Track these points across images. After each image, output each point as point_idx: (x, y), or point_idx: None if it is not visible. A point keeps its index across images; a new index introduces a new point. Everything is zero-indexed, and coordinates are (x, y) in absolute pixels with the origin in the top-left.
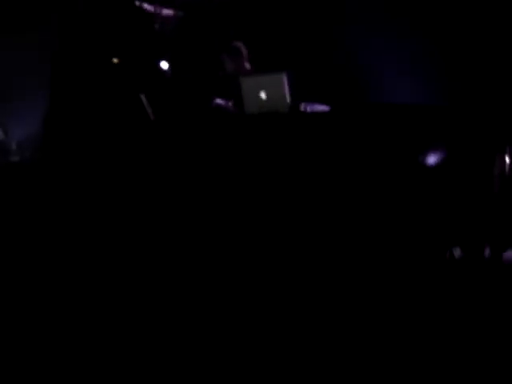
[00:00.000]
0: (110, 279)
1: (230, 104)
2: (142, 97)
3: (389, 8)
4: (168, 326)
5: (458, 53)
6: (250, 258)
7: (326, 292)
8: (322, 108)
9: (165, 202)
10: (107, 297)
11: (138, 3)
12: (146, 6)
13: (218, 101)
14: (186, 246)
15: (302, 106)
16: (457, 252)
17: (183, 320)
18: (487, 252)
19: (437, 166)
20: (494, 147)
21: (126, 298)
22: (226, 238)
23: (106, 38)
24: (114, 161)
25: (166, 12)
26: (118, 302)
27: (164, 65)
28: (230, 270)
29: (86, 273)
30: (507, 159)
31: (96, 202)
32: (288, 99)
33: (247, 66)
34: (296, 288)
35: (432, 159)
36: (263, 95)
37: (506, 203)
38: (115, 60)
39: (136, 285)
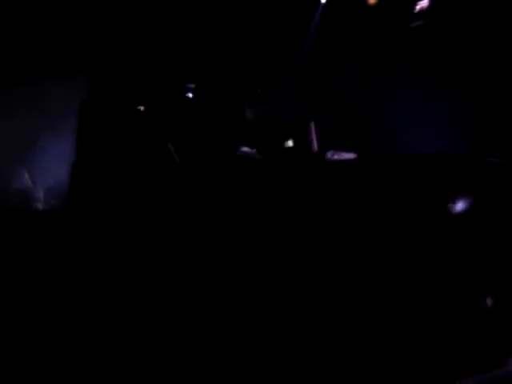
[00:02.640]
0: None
1: (255, 151)
2: (169, 144)
3: (415, 61)
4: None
5: (482, 103)
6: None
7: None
8: (348, 156)
9: (187, 250)
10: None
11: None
12: None
13: (244, 148)
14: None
15: (329, 154)
16: (489, 301)
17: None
18: None
19: (465, 215)
20: None
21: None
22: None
23: (133, 87)
24: (140, 210)
25: None
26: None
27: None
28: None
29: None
30: None
31: (120, 251)
32: (315, 146)
33: (268, 114)
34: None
35: (460, 208)
36: (290, 142)
37: None
38: (141, 108)
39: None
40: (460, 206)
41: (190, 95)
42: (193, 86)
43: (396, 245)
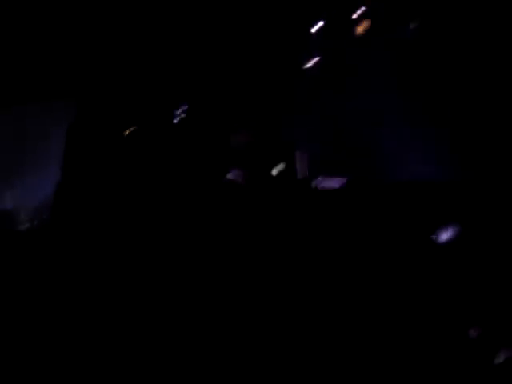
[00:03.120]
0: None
1: (243, 178)
2: (157, 167)
3: (406, 86)
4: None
5: (472, 130)
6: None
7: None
8: (337, 182)
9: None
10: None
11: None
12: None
13: (230, 175)
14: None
15: (318, 181)
16: (475, 331)
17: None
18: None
19: (451, 243)
20: (509, 226)
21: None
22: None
23: (121, 111)
24: (123, 234)
25: None
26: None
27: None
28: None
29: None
30: None
31: (102, 273)
32: (304, 172)
33: (257, 140)
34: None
35: (449, 236)
36: (278, 168)
37: None
38: (127, 131)
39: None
40: (447, 233)
41: (177, 119)
42: (180, 110)
43: (385, 274)
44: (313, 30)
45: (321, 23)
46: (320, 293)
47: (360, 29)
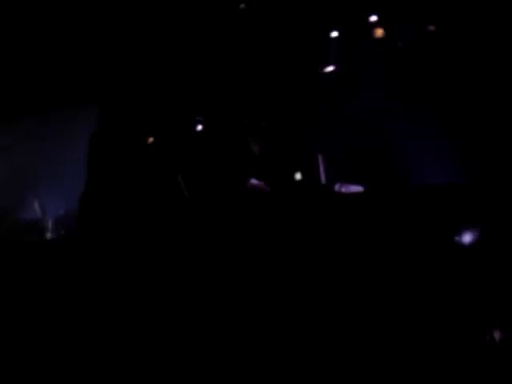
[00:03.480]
0: None
1: (264, 184)
2: (179, 177)
3: (421, 94)
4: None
5: (488, 132)
6: None
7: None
8: (356, 189)
9: (193, 284)
10: None
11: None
12: None
13: (253, 181)
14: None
15: (337, 187)
16: (497, 334)
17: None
18: None
19: (473, 246)
20: None
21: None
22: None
23: (143, 118)
24: (148, 243)
25: None
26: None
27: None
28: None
29: None
30: None
31: (126, 281)
32: (323, 179)
33: (274, 147)
34: None
35: (468, 239)
36: (298, 176)
37: None
38: (151, 139)
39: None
40: (468, 237)
41: (200, 127)
42: (202, 118)
43: (404, 277)
44: (332, 35)
45: (335, 32)
46: (340, 292)
47: (379, 33)
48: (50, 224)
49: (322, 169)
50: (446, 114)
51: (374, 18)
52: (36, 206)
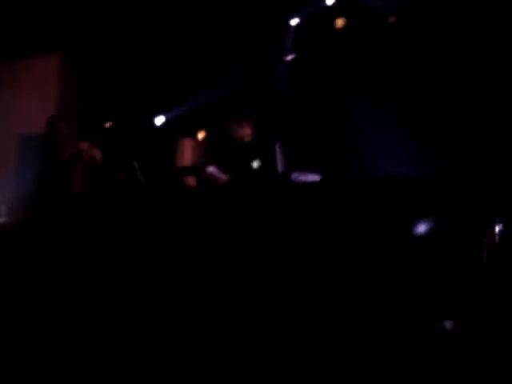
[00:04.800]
0: None
1: (221, 171)
2: (134, 163)
3: (382, 86)
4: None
5: (448, 124)
6: None
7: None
8: (313, 177)
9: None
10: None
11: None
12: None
13: (210, 169)
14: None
15: (294, 175)
16: (448, 324)
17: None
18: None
19: (427, 237)
20: (485, 218)
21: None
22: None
23: (101, 103)
24: (103, 226)
25: None
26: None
27: (159, 120)
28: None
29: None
30: (497, 230)
31: (82, 265)
32: (281, 167)
33: (250, 132)
34: None
35: (422, 230)
36: (256, 163)
37: (495, 274)
38: (108, 124)
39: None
40: (422, 227)
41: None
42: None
43: (359, 268)
44: (292, 23)
45: (297, 19)
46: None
47: (339, 23)
48: (2, 208)
49: (279, 157)
50: (406, 106)
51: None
52: None
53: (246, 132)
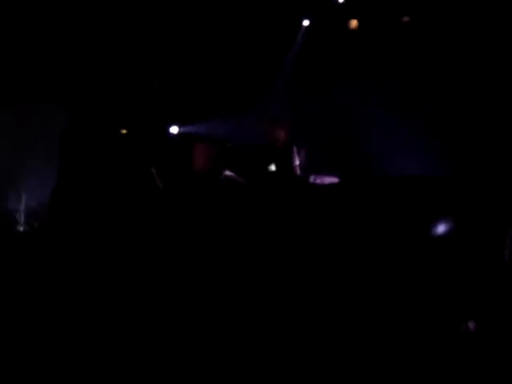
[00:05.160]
0: None
1: (238, 176)
2: (152, 169)
3: (397, 87)
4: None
5: (465, 123)
6: None
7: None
8: (331, 180)
9: (169, 273)
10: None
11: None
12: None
13: (227, 173)
14: None
15: (312, 178)
16: (471, 324)
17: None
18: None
19: (448, 237)
20: (506, 218)
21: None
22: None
23: (114, 111)
24: (123, 234)
25: None
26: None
27: (174, 129)
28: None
29: None
30: None
31: (99, 274)
32: (298, 170)
33: (284, 134)
34: None
35: (442, 230)
36: (273, 167)
37: None
38: (123, 131)
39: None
40: (442, 227)
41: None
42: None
43: (378, 268)
44: (304, 24)
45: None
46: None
47: (353, 24)
48: (22, 216)
49: (296, 160)
50: (421, 107)
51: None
52: (10, 197)
53: (279, 134)
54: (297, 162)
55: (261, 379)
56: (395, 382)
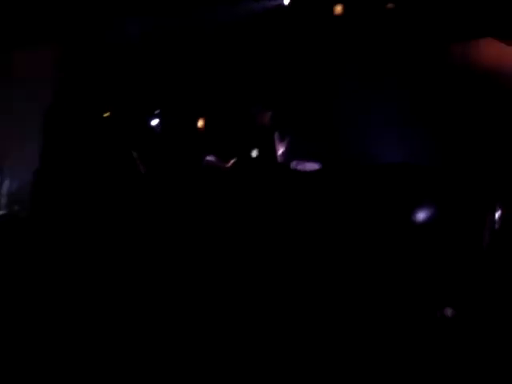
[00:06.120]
0: None
1: (220, 161)
2: (134, 152)
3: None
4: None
5: (448, 115)
6: None
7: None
8: (312, 166)
9: (151, 257)
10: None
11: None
12: None
13: (209, 158)
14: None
15: (293, 164)
16: (448, 311)
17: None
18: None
19: (427, 224)
20: (485, 205)
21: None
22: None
23: (99, 93)
24: (104, 216)
25: None
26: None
27: (154, 122)
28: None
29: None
30: (497, 217)
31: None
32: (279, 156)
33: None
34: None
35: (422, 217)
36: (255, 152)
37: (496, 260)
38: (107, 114)
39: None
40: (422, 213)
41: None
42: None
43: (359, 254)
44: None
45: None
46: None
47: (337, 10)
48: (2, 200)
49: (278, 146)
50: (403, 95)
51: None
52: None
53: (266, 120)
54: (279, 148)
55: (260, 376)
56: (374, 364)
